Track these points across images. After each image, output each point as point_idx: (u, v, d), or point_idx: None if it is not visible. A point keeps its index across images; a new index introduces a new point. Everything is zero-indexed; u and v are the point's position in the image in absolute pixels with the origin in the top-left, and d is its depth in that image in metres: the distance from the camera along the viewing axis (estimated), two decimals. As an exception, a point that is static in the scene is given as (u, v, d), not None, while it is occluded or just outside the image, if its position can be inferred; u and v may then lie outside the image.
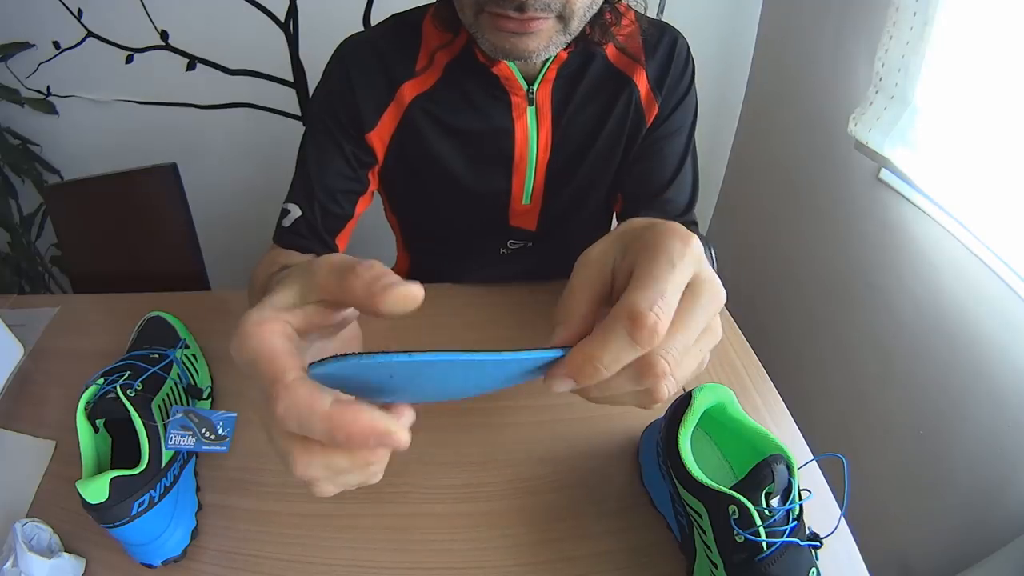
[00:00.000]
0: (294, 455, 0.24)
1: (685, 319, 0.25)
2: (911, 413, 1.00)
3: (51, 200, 1.06)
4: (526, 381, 0.29)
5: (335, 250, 0.65)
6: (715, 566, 0.45)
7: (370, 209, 0.72)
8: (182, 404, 0.58)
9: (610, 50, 0.64)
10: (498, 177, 0.67)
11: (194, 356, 0.66)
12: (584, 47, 0.62)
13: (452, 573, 0.51)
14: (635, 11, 0.65)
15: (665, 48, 0.65)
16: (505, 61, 0.59)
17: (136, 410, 0.51)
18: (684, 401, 0.52)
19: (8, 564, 0.46)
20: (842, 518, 0.51)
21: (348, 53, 0.64)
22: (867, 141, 1.02)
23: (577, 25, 0.53)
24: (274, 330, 0.25)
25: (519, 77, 0.61)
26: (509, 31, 0.51)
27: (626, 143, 0.67)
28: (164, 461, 0.51)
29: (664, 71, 0.65)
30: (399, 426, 0.23)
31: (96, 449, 0.51)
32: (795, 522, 0.45)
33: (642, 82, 0.64)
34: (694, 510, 0.48)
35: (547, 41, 0.52)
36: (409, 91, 0.62)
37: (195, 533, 0.53)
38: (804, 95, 1.32)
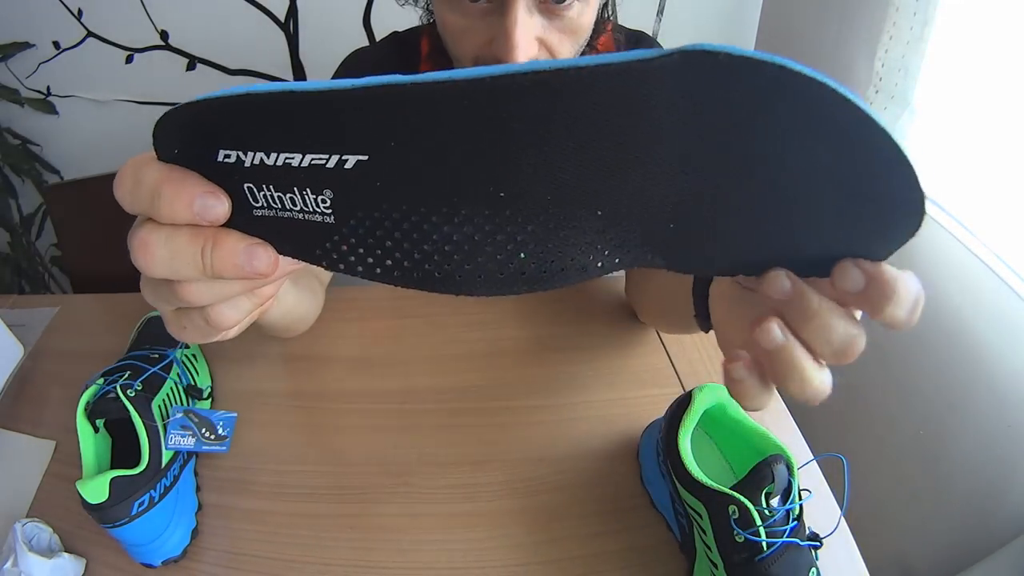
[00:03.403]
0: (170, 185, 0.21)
1: None
2: (911, 413, 1.00)
3: (51, 200, 1.06)
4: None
5: None
6: (715, 566, 0.45)
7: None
8: (182, 404, 0.58)
9: None
10: None
11: (194, 356, 0.66)
12: None
13: (452, 573, 0.51)
14: (612, 23, 0.66)
15: None
16: None
17: (136, 410, 0.51)
18: (684, 401, 0.52)
19: (8, 564, 0.46)
20: (842, 518, 0.51)
21: (354, 67, 0.67)
22: (867, 141, 1.02)
23: None
24: None
25: None
26: None
27: None
28: (164, 461, 0.51)
29: None
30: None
31: (96, 449, 0.51)
32: (795, 522, 0.45)
33: None
34: (694, 510, 0.48)
35: None
36: None
37: (195, 533, 0.53)
38: (804, 95, 1.32)
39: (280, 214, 0.21)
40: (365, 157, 0.18)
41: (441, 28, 0.53)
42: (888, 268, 0.22)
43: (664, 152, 0.18)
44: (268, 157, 0.19)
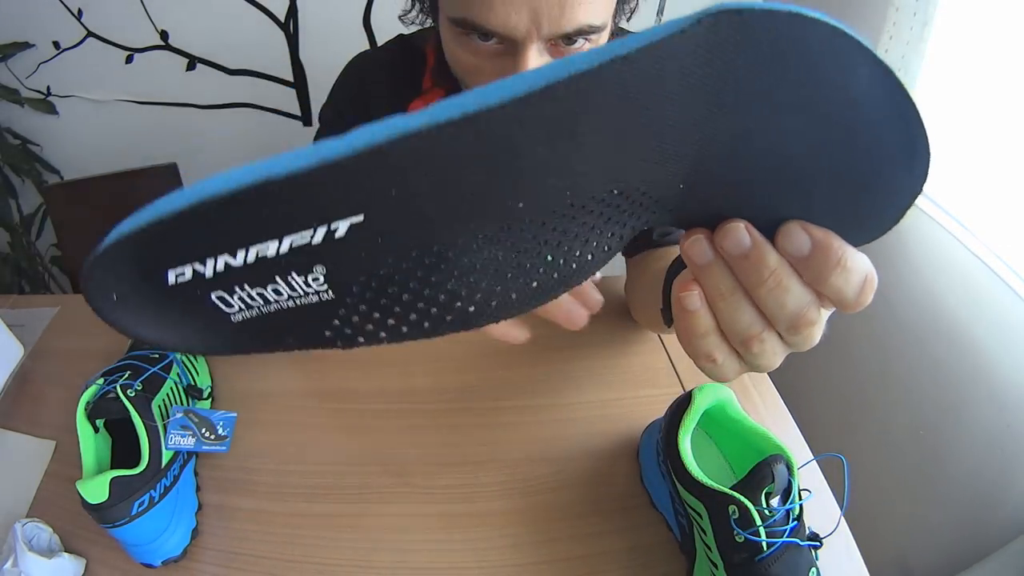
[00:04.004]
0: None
1: None
2: (911, 413, 1.00)
3: (51, 200, 1.06)
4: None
5: None
6: (715, 566, 0.45)
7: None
8: (182, 404, 0.58)
9: None
10: None
11: (194, 356, 0.66)
12: None
13: (452, 573, 0.51)
14: (614, 27, 0.66)
15: None
16: None
17: (136, 410, 0.51)
18: (684, 401, 0.52)
19: (8, 564, 0.46)
20: (842, 518, 0.51)
21: (362, 67, 0.67)
22: (867, 141, 1.02)
23: None
24: None
25: None
26: None
27: None
28: (164, 461, 0.51)
29: None
30: None
31: (96, 449, 0.51)
32: (795, 522, 0.45)
33: None
34: (694, 510, 0.48)
35: None
36: (417, 107, 0.65)
37: (195, 533, 0.53)
38: (804, 95, 1.32)
39: (265, 309, 0.17)
40: (359, 219, 0.16)
41: (451, 60, 0.52)
42: (837, 237, 0.21)
43: (681, 114, 0.17)
44: (235, 258, 0.16)
